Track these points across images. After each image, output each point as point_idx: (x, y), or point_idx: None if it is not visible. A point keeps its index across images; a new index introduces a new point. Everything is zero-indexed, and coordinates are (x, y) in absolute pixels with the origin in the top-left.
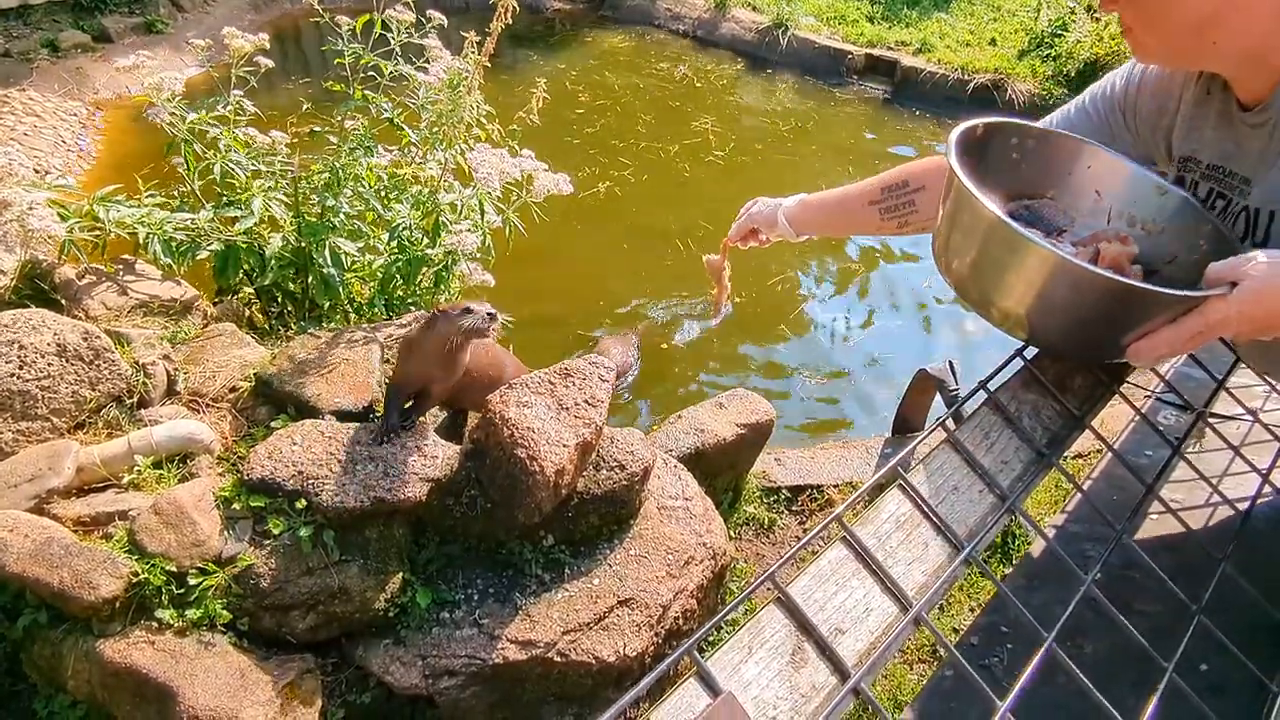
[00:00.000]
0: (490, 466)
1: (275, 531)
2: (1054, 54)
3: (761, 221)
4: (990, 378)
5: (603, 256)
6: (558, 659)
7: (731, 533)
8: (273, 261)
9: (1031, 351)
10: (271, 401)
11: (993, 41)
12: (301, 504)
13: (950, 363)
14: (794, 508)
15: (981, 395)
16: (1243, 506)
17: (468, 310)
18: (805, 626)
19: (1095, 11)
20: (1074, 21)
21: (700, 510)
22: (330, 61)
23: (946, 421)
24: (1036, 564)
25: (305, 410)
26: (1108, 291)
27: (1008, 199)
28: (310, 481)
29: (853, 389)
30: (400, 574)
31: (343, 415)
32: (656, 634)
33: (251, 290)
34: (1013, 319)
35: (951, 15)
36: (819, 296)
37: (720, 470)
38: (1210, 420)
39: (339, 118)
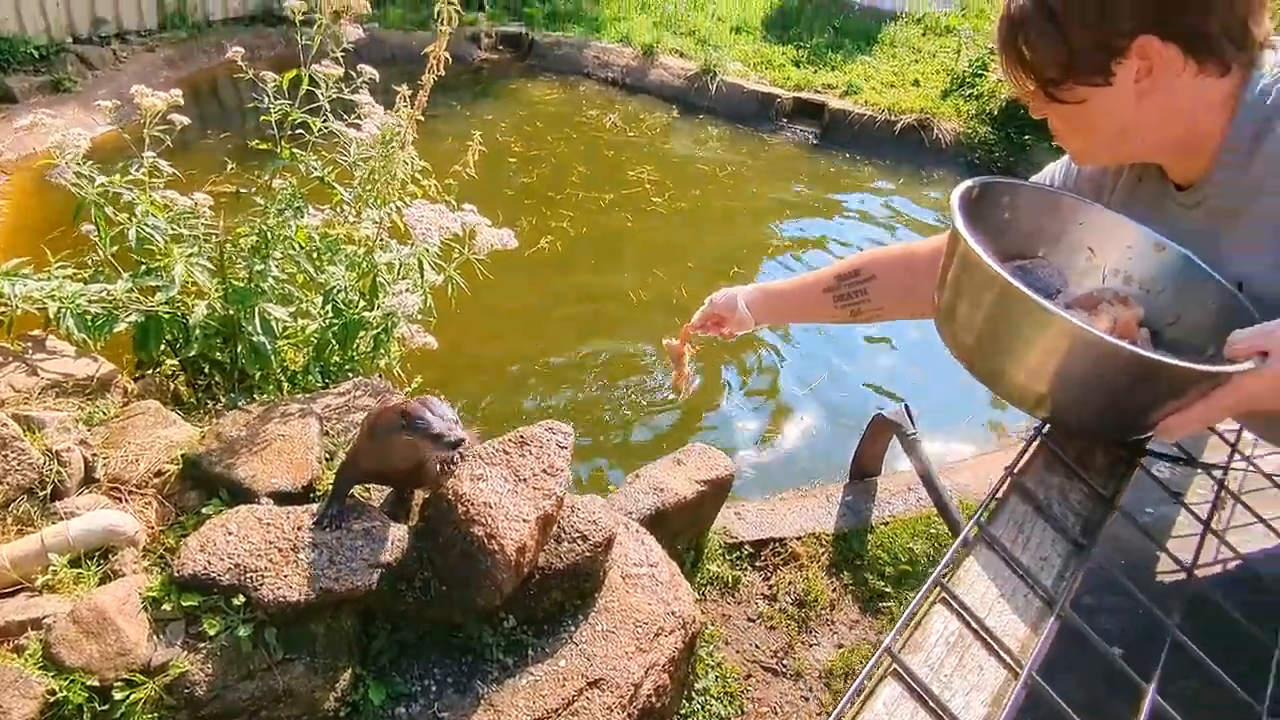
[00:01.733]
0: (444, 547)
1: (211, 632)
2: (976, 93)
3: (723, 308)
4: (1015, 464)
5: (551, 312)
6: None
7: (696, 594)
8: (198, 331)
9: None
10: (202, 485)
11: (916, 82)
12: (239, 600)
13: (906, 406)
14: (757, 563)
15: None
16: (1255, 569)
17: (437, 436)
18: None
19: None
20: (994, 61)
21: (666, 576)
22: (254, 119)
23: (980, 517)
24: (1053, 646)
25: (239, 494)
26: (1137, 367)
27: (1000, 260)
28: (249, 574)
29: (808, 435)
30: (350, 669)
31: (281, 497)
32: (629, 715)
33: (175, 363)
34: (1031, 396)
35: (874, 58)
36: (771, 342)
37: (682, 530)
38: (1206, 471)
39: (265, 177)
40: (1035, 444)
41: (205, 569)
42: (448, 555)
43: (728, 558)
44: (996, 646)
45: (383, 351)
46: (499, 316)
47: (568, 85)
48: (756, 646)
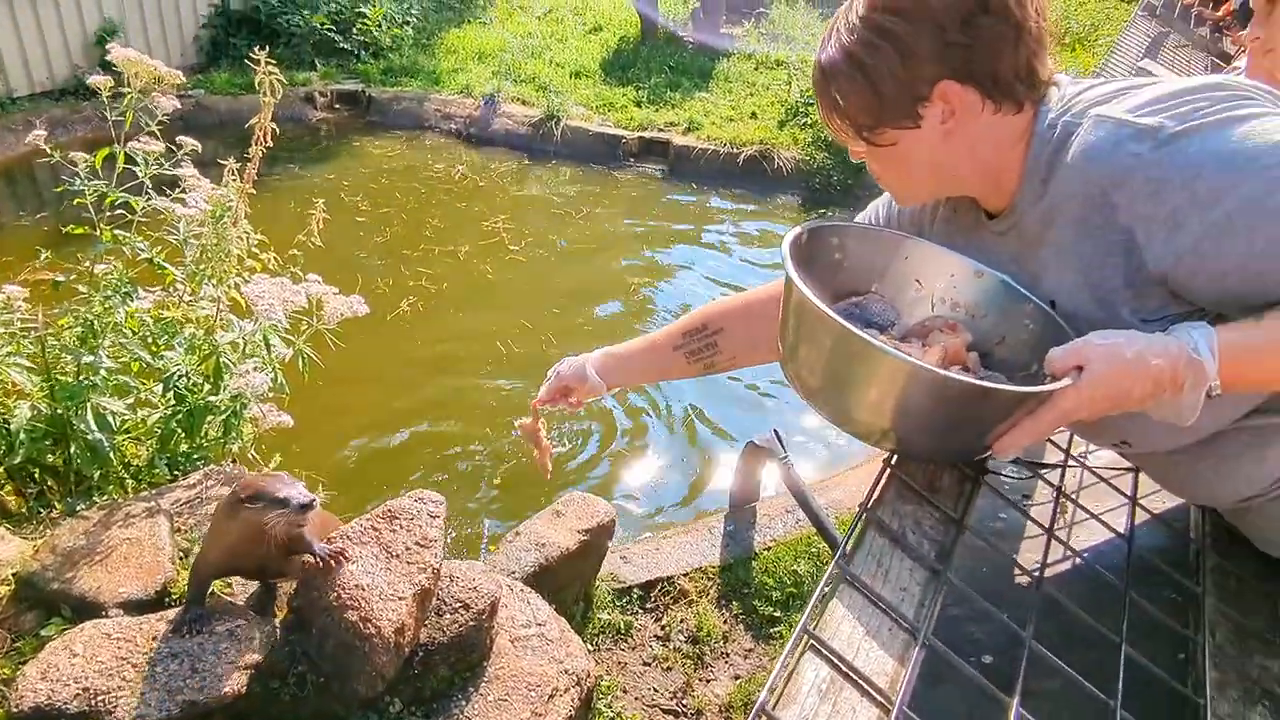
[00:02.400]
0: (318, 636)
1: None
2: (810, 122)
3: (570, 378)
4: (868, 499)
5: (417, 373)
6: None
7: (589, 645)
8: (22, 435)
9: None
10: (39, 605)
11: (753, 115)
12: None
13: (775, 431)
14: (648, 605)
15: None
16: (1097, 564)
17: (278, 501)
18: None
19: None
20: None
21: (556, 634)
22: (71, 201)
23: (840, 556)
24: (928, 659)
25: (84, 609)
26: (966, 395)
27: (834, 299)
28: (100, 698)
29: (686, 468)
30: None
31: (132, 606)
32: None
33: (1, 471)
34: (876, 432)
35: (711, 94)
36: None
37: (568, 582)
38: (1041, 476)
39: (87, 263)
40: (886, 475)
41: (49, 699)
42: (322, 645)
43: (618, 603)
44: (867, 687)
45: (234, 435)
46: (363, 384)
47: (412, 139)
48: (654, 690)
